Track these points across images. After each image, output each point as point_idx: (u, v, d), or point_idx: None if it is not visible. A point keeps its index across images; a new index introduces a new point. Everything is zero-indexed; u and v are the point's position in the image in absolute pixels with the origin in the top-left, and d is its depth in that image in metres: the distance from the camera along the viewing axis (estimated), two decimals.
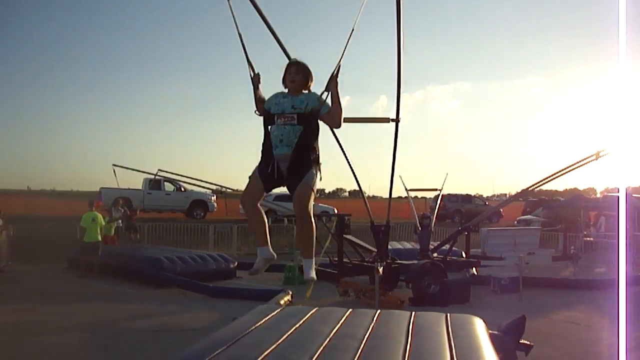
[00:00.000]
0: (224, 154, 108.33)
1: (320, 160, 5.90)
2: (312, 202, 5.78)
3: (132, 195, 32.08)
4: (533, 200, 40.88)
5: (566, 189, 59.08)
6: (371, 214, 16.63)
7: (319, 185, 5.89)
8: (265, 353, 5.01)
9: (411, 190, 23.44)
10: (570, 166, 17.17)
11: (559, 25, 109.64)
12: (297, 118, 5.68)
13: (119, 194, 29.29)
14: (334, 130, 12.36)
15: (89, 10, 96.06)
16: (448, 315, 6.10)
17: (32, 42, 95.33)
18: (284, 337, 5.28)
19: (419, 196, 31.93)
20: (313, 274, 6.03)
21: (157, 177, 26.47)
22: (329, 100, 5.78)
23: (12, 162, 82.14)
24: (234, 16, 6.06)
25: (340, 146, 13.98)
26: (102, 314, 13.41)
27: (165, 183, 34.44)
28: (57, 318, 12.68)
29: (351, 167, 15.01)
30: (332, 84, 5.73)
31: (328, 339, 5.32)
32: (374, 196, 51.94)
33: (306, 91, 5.89)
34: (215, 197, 35.77)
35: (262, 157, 5.87)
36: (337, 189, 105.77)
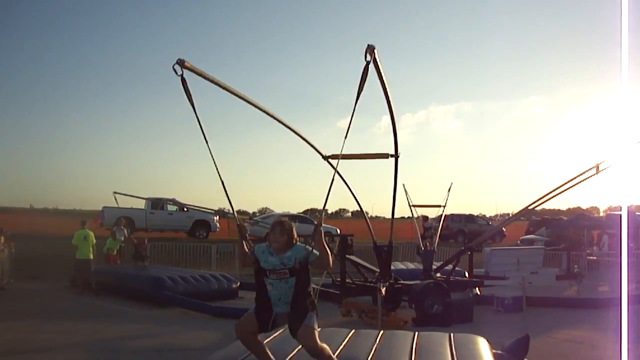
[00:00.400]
0: (227, 176, 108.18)
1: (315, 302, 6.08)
2: (317, 337, 5.77)
3: (135, 214, 32.05)
4: (536, 219, 40.91)
5: (569, 208, 59.09)
6: (374, 234, 16.60)
7: (317, 325, 5.91)
8: None
9: (415, 206, 23.40)
10: (570, 181, 17.07)
11: (561, 45, 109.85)
12: (289, 272, 5.92)
13: (122, 213, 29.32)
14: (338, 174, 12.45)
15: (94, 32, 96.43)
16: (451, 335, 6.08)
17: (37, 62, 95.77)
18: (287, 358, 5.26)
19: (422, 215, 31.89)
20: None
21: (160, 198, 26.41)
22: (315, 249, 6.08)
23: (16, 181, 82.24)
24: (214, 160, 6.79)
25: (343, 180, 14.01)
26: (104, 333, 13.37)
27: (167, 203, 34.45)
28: (59, 336, 12.64)
29: (353, 194, 15.02)
30: (316, 236, 6.08)
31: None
32: (376, 216, 51.93)
33: (290, 246, 6.10)
34: (217, 217, 35.76)
35: (258, 305, 6.11)
36: (340, 209, 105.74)
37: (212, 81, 8.31)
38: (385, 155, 11.96)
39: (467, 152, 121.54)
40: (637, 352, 9.22)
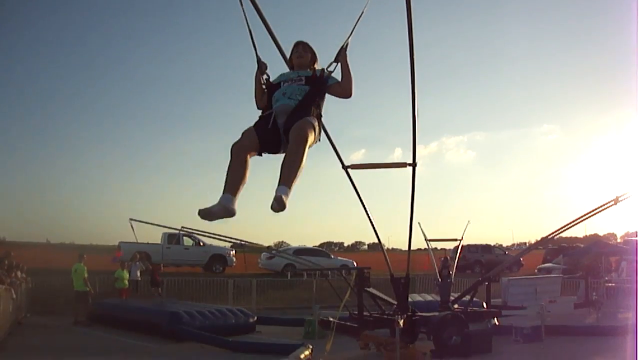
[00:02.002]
0: (243, 207, 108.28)
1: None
2: (310, 142, 5.17)
3: (151, 249, 32.07)
4: (553, 247, 40.65)
5: (586, 235, 58.75)
6: (390, 266, 16.58)
7: (317, 139, 5.40)
8: None
9: (431, 240, 23.38)
10: (589, 213, 17.07)
11: (573, 73, 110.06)
12: (305, 80, 5.53)
13: (138, 248, 29.38)
14: (352, 179, 12.44)
15: (106, 62, 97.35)
16: None
17: (51, 96, 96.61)
18: None
19: (439, 247, 31.82)
20: (285, 198, 4.88)
21: (181, 231, 26.33)
22: (336, 75, 5.65)
23: (32, 216, 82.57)
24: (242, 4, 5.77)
25: (359, 196, 13.98)
26: None
27: (184, 237, 34.51)
28: None
29: (369, 217, 14.98)
30: (342, 55, 5.64)
31: None
32: (393, 249, 51.75)
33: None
34: (234, 251, 35.77)
35: (260, 117, 5.53)
36: (356, 242, 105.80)
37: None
38: (403, 165, 11.91)
39: (481, 182, 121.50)
40: None
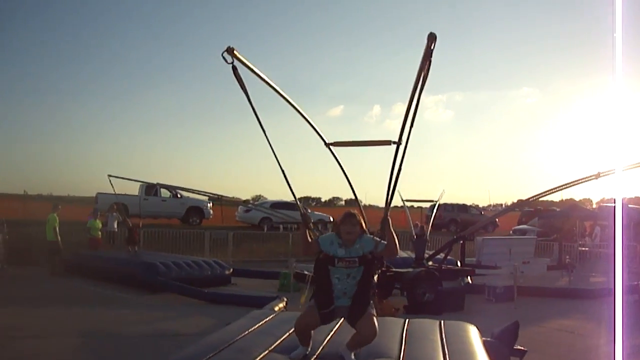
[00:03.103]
0: (222, 162, 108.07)
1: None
2: (376, 323, 5.60)
3: (129, 201, 31.97)
4: (529, 210, 40.96)
5: (562, 200, 59.02)
6: (367, 222, 16.64)
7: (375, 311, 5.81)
8: (258, 358, 5.01)
9: (407, 200, 23.50)
10: (569, 183, 17.26)
11: (553, 36, 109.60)
12: (359, 261, 5.82)
13: (116, 199, 29.34)
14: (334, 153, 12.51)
15: (87, 16, 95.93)
16: (442, 322, 6.12)
17: (31, 49, 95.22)
18: (277, 342, 5.29)
19: (415, 206, 31.98)
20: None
21: (157, 186, 26.25)
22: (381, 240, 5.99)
23: (10, 167, 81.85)
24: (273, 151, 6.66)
25: (337, 161, 13.98)
26: (96, 319, 13.39)
27: (161, 189, 34.47)
28: (51, 322, 12.65)
29: (347, 178, 15.00)
30: (386, 226, 6.05)
31: (322, 345, 5.33)
32: (370, 205, 51.92)
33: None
34: (211, 204, 35.78)
35: (319, 295, 5.87)
36: (333, 197, 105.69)
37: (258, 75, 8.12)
38: (387, 142, 11.89)
39: (459, 143, 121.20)
40: (627, 341, 9.29)
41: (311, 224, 6.36)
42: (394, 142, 12.13)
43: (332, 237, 6.01)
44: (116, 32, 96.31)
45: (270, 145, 6.91)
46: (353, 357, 5.39)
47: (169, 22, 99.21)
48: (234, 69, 6.97)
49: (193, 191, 25.84)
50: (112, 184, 23.75)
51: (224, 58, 6.73)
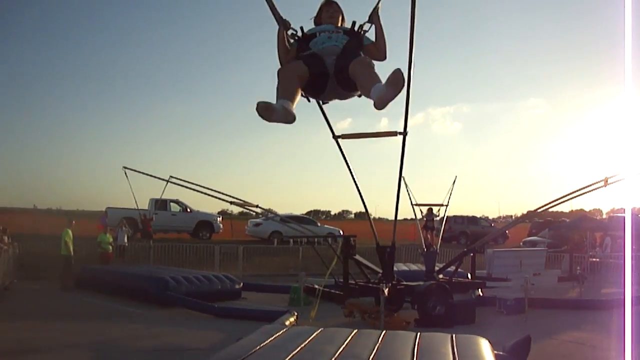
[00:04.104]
0: (234, 172, 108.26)
1: None
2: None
3: (138, 215, 32.13)
4: (539, 221, 40.88)
5: (572, 210, 59.01)
6: (377, 234, 16.63)
7: None
8: None
9: (417, 205, 23.46)
10: (577, 191, 17.21)
11: (560, 47, 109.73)
12: (343, 31, 5.56)
13: (125, 214, 29.41)
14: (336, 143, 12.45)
15: (93, 25, 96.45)
16: (453, 336, 6.11)
17: (40, 64, 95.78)
18: (289, 356, 5.30)
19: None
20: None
21: (169, 182, 26.10)
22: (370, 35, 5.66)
23: (20, 181, 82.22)
24: None
25: (348, 165, 13.99)
26: (106, 333, 13.41)
27: (171, 204, 34.57)
28: (61, 336, 12.68)
29: (357, 187, 15.00)
30: (375, 16, 5.61)
31: (333, 359, 5.33)
32: (380, 218, 51.95)
33: None
34: (221, 218, 35.85)
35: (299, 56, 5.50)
36: (343, 210, 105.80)
37: None
38: (394, 133, 11.87)
39: (467, 154, 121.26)
40: (637, 352, 9.26)
41: (289, 28, 5.65)
42: (400, 133, 12.20)
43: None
44: (126, 45, 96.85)
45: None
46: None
47: (182, 32, 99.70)
48: None
49: (206, 193, 25.61)
50: (127, 176, 23.87)
51: None
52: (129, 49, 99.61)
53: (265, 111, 4.83)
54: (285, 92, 5.11)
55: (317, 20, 5.89)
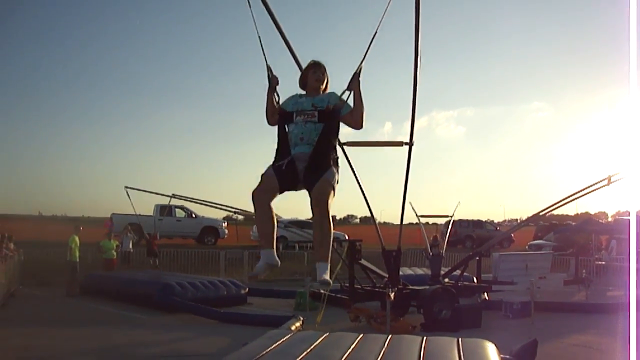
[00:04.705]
0: (236, 179, 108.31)
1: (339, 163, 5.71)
2: (332, 202, 5.41)
3: (143, 221, 32.09)
4: (544, 224, 40.83)
5: (577, 213, 58.89)
6: (382, 239, 16.62)
7: (337, 188, 5.52)
8: None
9: (422, 216, 23.47)
10: (581, 191, 17.20)
11: (564, 50, 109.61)
12: (318, 115, 5.53)
13: (130, 220, 29.41)
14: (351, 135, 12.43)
15: (95, 31, 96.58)
16: (459, 340, 6.10)
17: (43, 69, 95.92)
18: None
19: (430, 222, 31.91)
20: (328, 277, 5.50)
21: (172, 198, 26.22)
22: (349, 101, 5.65)
23: (25, 188, 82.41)
24: (253, 16, 5.92)
25: (353, 170, 14.01)
26: (112, 339, 13.40)
27: (176, 209, 34.56)
28: (67, 343, 12.68)
29: (362, 191, 15.02)
30: (354, 83, 5.58)
31: None
32: (385, 222, 51.86)
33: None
34: (226, 223, 35.85)
35: (277, 156, 5.64)
36: (348, 215, 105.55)
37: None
38: (399, 143, 11.91)
39: (471, 158, 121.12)
40: None
41: (277, 85, 5.77)
42: (406, 143, 12.20)
43: (295, 95, 5.82)
44: (129, 50, 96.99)
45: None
46: (327, 273, 5.37)
47: (185, 37, 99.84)
48: None
49: (208, 205, 25.63)
50: (129, 196, 23.96)
51: None
52: (132, 54, 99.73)
53: (255, 277, 5.64)
54: (265, 239, 5.63)
55: (303, 79, 5.91)
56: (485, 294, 18.84)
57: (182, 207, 34.63)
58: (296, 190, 5.68)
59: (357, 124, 5.66)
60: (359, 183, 14.56)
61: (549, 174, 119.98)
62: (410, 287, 16.75)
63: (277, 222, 5.80)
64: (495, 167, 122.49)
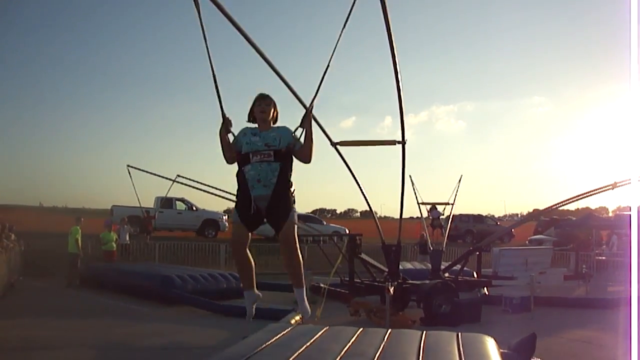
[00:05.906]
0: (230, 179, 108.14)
1: (294, 190, 6.02)
2: (297, 234, 5.92)
3: (141, 212, 32.14)
4: (545, 219, 40.82)
5: (578, 208, 58.79)
6: (382, 233, 16.61)
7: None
8: None
9: (423, 204, 23.46)
10: (585, 194, 17.21)
11: (564, 45, 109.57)
12: (274, 155, 5.74)
13: (131, 212, 29.42)
14: (342, 155, 12.44)
15: (101, 26, 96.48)
16: (459, 334, 6.09)
17: (46, 63, 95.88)
18: (295, 355, 5.28)
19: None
20: (306, 303, 6.57)
21: (175, 181, 26.07)
22: (301, 137, 5.88)
23: (25, 179, 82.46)
24: (209, 54, 6.31)
25: (351, 170, 14.00)
26: (112, 331, 13.39)
27: (176, 202, 34.56)
28: (67, 334, 12.66)
29: (360, 188, 15.00)
30: (307, 121, 5.84)
31: (339, 358, 5.31)
32: (385, 217, 51.92)
33: (274, 124, 6.00)
34: (226, 216, 35.83)
35: (238, 199, 5.97)
36: (349, 209, 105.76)
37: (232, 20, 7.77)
38: (392, 142, 11.88)
39: (471, 153, 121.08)
40: None
41: (230, 126, 5.95)
42: (398, 142, 12.18)
43: (246, 129, 5.98)
44: (131, 42, 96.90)
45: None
46: (305, 299, 6.34)
47: (187, 28, 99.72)
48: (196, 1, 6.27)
49: (212, 190, 25.49)
50: (130, 175, 23.99)
51: None
52: (133, 46, 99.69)
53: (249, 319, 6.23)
54: (247, 281, 6.75)
55: (251, 113, 6.08)
56: (485, 288, 18.84)
57: (182, 200, 34.66)
58: (263, 224, 6.12)
59: (306, 159, 5.97)
60: (356, 180, 14.53)
61: (550, 169, 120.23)
62: (410, 281, 16.73)
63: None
64: (496, 162, 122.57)
